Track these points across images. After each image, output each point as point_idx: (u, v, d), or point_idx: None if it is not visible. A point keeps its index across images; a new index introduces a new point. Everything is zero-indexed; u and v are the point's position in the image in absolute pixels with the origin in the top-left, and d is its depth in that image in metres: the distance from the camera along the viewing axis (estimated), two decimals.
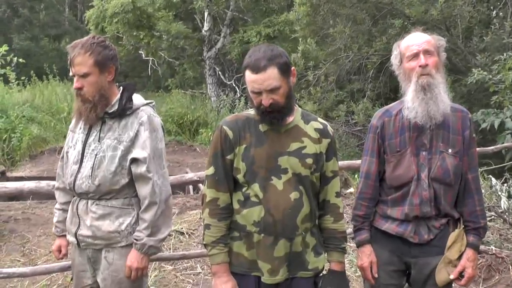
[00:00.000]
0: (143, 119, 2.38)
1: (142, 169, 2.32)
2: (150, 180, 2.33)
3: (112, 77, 2.41)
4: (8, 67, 9.93)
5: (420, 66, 2.29)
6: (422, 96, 2.29)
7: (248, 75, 2.08)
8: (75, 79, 2.35)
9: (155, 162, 2.36)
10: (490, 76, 7.14)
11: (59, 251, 2.62)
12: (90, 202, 2.40)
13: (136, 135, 2.36)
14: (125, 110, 2.38)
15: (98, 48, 2.34)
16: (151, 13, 16.14)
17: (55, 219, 2.63)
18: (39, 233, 4.89)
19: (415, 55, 2.31)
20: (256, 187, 2.16)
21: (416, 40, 2.34)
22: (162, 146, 2.43)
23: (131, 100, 2.42)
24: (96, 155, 2.37)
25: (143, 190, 2.34)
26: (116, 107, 2.39)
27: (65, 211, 2.56)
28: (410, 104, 2.33)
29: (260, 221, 2.16)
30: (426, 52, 2.30)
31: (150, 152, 2.34)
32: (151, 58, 18.22)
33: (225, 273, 2.21)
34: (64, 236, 2.59)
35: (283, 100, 2.10)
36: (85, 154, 2.41)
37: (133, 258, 2.35)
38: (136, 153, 2.34)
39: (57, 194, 2.64)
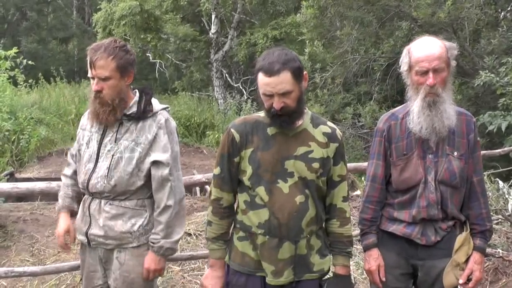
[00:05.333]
0: (162, 122, 2.41)
1: (164, 171, 2.36)
2: (169, 182, 2.36)
3: (131, 81, 2.44)
4: (17, 70, 10.01)
5: (428, 85, 2.28)
6: (428, 112, 2.30)
7: (261, 78, 2.10)
8: (94, 81, 2.36)
9: (172, 164, 2.39)
10: (498, 79, 7.12)
11: (67, 233, 2.51)
12: (103, 202, 2.42)
13: (155, 138, 2.39)
14: (145, 113, 2.41)
15: (121, 52, 2.35)
16: (158, 16, 16.24)
17: (64, 191, 2.56)
18: (47, 234, 4.91)
19: (425, 73, 2.28)
20: (261, 190, 2.18)
21: (427, 55, 2.27)
22: (178, 149, 2.47)
23: (151, 103, 2.45)
24: (112, 155, 2.40)
25: (161, 192, 2.37)
26: (134, 109, 2.42)
27: (75, 185, 2.54)
28: (416, 118, 2.34)
29: (265, 223, 2.18)
30: (436, 71, 2.27)
31: (171, 155, 2.38)
32: (158, 61, 18.32)
33: (220, 268, 2.30)
34: (68, 212, 2.54)
35: (294, 104, 2.12)
36: (100, 154, 2.43)
37: (151, 260, 2.39)
38: (158, 156, 2.37)
39: (63, 177, 2.62)
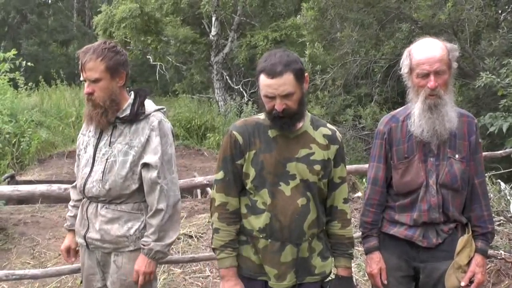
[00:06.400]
0: (154, 124, 2.38)
1: (153, 174, 2.33)
2: (158, 185, 2.33)
3: (123, 82, 2.41)
4: (17, 72, 10.01)
5: (429, 87, 2.27)
6: (429, 115, 2.29)
7: (263, 79, 2.09)
8: (86, 84, 2.35)
9: (164, 167, 2.36)
10: (499, 80, 7.11)
11: (68, 251, 2.63)
12: (100, 205, 2.41)
13: (148, 140, 2.36)
14: (137, 116, 2.39)
15: (110, 53, 2.33)
16: (158, 18, 16.27)
17: (68, 214, 2.65)
18: (48, 236, 4.92)
19: (426, 75, 2.27)
20: (264, 192, 2.17)
21: (428, 57, 2.25)
22: (172, 151, 2.43)
23: (143, 105, 2.42)
24: (107, 159, 2.38)
25: (151, 195, 2.35)
26: (127, 112, 2.39)
27: (78, 207, 2.58)
28: (417, 120, 2.33)
29: (265, 227, 2.17)
30: (437, 73, 2.25)
31: (160, 157, 2.34)
32: (158, 63, 18.36)
33: (233, 277, 2.22)
34: (73, 231, 2.59)
35: (295, 106, 2.11)
36: (96, 158, 2.42)
37: (141, 263, 2.36)
38: (148, 158, 2.34)
39: (72, 191, 2.66)
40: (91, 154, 2.44)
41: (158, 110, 2.48)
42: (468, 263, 2.36)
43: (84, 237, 2.45)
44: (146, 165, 2.35)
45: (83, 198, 2.50)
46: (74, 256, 2.64)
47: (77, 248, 2.64)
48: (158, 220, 2.33)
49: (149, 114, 2.42)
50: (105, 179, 2.36)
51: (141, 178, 2.37)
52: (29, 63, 8.93)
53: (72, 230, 2.61)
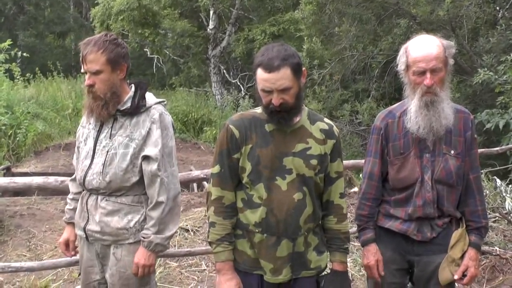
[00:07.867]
0: (155, 117, 2.38)
1: (153, 167, 2.33)
2: (158, 177, 2.33)
3: (124, 75, 2.41)
4: (13, 63, 9.95)
5: (425, 85, 2.27)
6: (425, 112, 2.30)
7: (261, 73, 2.08)
8: (86, 76, 2.35)
9: (164, 159, 2.37)
10: (496, 77, 7.13)
11: (66, 244, 2.62)
12: (100, 197, 2.41)
13: (148, 133, 2.36)
14: (138, 108, 2.39)
15: (111, 45, 2.33)
16: (156, 11, 16.19)
17: (67, 207, 2.64)
18: (44, 229, 4.92)
19: (422, 73, 2.27)
20: (260, 187, 2.17)
21: (425, 55, 2.26)
22: (172, 144, 2.44)
23: (144, 98, 2.42)
24: (107, 152, 2.38)
25: (152, 188, 2.35)
26: (128, 104, 2.40)
27: (77, 200, 2.58)
28: (413, 117, 2.33)
29: (261, 222, 2.17)
30: (433, 71, 2.26)
31: (161, 149, 2.35)
32: (156, 56, 18.27)
33: (229, 271, 2.22)
34: (72, 224, 2.59)
35: (292, 101, 2.11)
36: (96, 150, 2.42)
37: (140, 255, 2.36)
38: (148, 150, 2.35)
39: (70, 184, 2.66)
40: (91, 147, 2.44)
41: (159, 103, 2.48)
42: (462, 257, 2.38)
43: (84, 229, 2.45)
44: (146, 158, 2.35)
45: (83, 190, 2.50)
46: (73, 250, 2.63)
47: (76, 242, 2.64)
48: (158, 213, 2.34)
49: (150, 106, 2.42)
50: (105, 172, 2.36)
51: (141, 171, 2.37)
52: (24, 54, 8.87)
53: (71, 223, 2.61)
